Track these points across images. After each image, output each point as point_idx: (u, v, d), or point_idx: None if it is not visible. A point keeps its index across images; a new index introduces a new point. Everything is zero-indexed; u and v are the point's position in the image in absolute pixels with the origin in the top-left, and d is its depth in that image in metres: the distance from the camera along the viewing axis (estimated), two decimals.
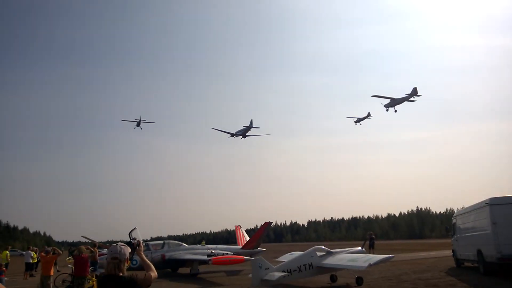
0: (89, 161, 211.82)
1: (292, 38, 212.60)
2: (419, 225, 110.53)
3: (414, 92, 43.51)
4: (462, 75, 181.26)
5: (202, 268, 21.59)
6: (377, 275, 16.74)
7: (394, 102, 45.90)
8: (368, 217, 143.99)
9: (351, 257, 14.06)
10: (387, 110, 47.87)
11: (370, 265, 12.68)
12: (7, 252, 24.48)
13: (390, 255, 14.43)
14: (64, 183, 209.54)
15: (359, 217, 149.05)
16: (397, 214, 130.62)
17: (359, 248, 16.70)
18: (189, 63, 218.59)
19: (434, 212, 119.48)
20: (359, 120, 54.33)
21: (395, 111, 47.26)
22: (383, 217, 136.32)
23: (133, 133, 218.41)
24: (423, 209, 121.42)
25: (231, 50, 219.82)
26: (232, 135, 54.89)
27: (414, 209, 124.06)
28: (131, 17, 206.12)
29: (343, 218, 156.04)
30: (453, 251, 19.92)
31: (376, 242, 31.12)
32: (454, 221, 20.10)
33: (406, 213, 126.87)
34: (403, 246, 47.83)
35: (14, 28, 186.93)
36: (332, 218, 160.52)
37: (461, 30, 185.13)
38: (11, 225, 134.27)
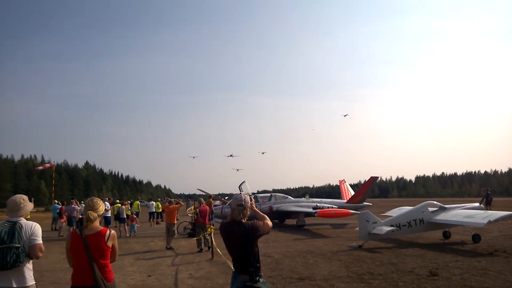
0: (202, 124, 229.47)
1: None
2: None
3: None
4: None
5: (307, 220, 22.07)
6: (496, 233, 15.59)
7: None
8: (485, 171, 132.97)
9: (468, 213, 13.23)
10: None
11: (489, 222, 11.80)
12: (138, 202, 27.75)
13: None
14: (179, 144, 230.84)
15: (475, 172, 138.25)
16: None
17: (477, 204, 15.65)
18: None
19: None
20: (238, 169, 75.48)
21: None
22: (503, 172, 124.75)
23: (250, 97, 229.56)
24: None
25: None
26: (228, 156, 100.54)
27: None
28: None
29: (455, 173, 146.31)
30: None
31: (493, 199, 28.55)
32: None
33: None
34: None
35: None
36: (443, 173, 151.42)
37: None
38: (137, 179, 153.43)
